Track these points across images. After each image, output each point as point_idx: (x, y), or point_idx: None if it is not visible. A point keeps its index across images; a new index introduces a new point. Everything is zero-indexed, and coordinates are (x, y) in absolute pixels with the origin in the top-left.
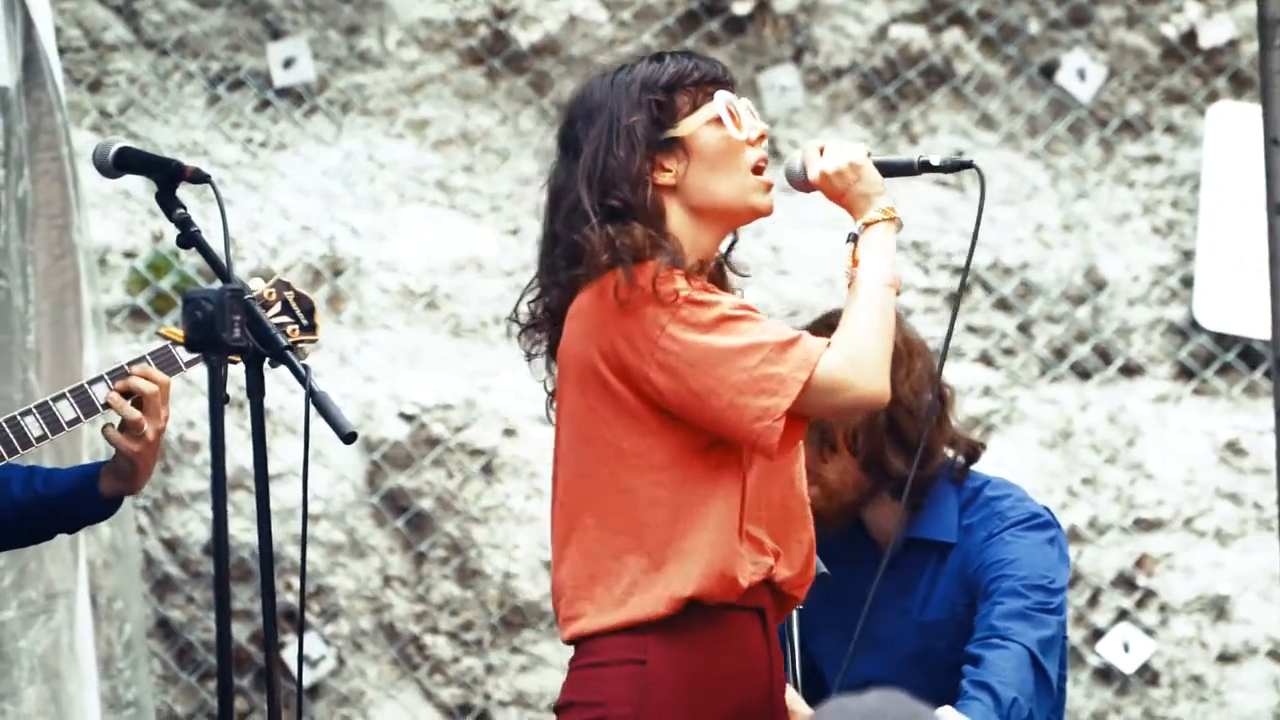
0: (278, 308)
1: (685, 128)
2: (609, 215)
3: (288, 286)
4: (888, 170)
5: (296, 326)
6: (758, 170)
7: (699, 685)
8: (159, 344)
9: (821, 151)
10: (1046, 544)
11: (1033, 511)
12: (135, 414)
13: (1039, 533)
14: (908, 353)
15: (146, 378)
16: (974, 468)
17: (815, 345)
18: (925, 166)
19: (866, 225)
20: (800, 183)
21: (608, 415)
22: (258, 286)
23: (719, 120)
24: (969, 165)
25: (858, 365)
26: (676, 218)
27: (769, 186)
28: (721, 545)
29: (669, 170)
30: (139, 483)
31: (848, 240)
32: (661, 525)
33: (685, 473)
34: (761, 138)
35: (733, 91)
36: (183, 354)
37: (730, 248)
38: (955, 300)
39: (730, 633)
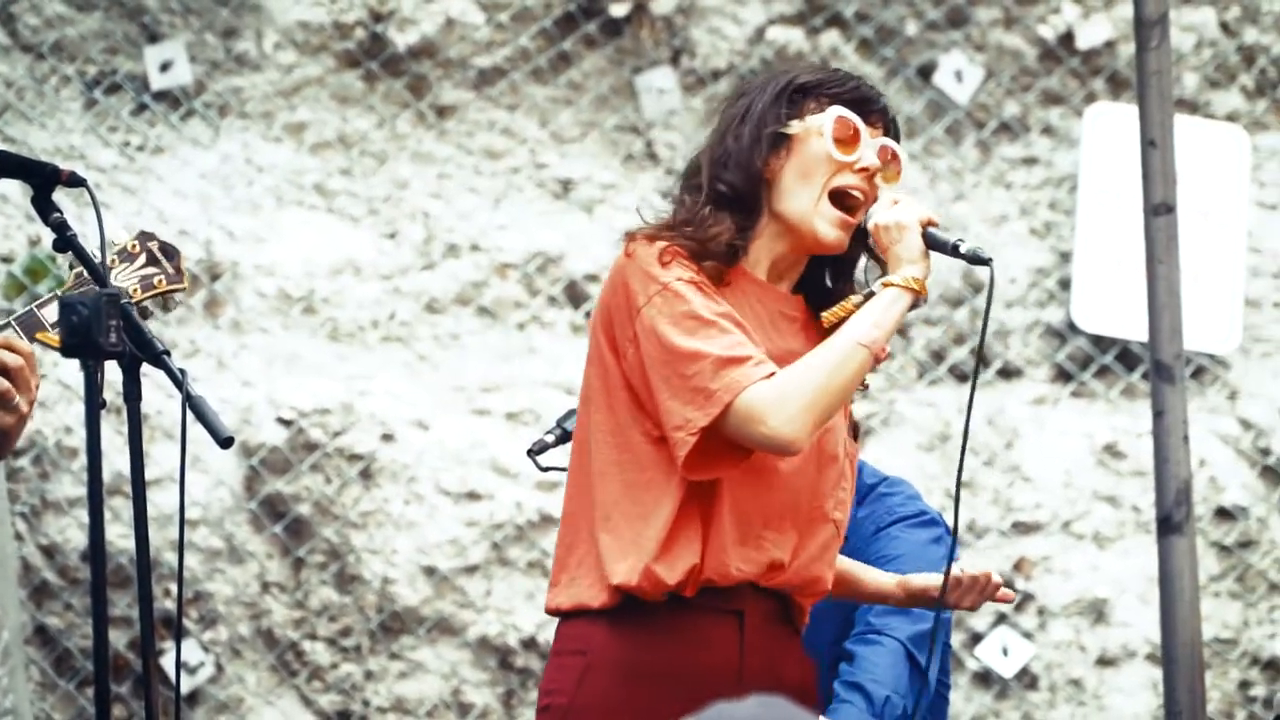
0: (143, 259)
1: (797, 128)
2: (717, 199)
3: (151, 237)
4: (931, 243)
5: (163, 277)
6: (846, 197)
7: (644, 683)
8: (23, 310)
9: (895, 204)
10: (932, 543)
11: (920, 509)
12: (4, 384)
13: (925, 530)
14: None
15: (10, 348)
16: (871, 466)
17: (756, 371)
18: (955, 251)
19: (884, 285)
20: (865, 229)
21: (597, 383)
22: (122, 239)
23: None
24: (987, 262)
25: (781, 404)
26: (766, 215)
27: (845, 224)
28: (651, 540)
29: (771, 165)
30: (5, 453)
31: (862, 294)
32: (608, 505)
33: (641, 457)
34: (868, 172)
35: (878, 123)
36: (48, 315)
37: (849, 273)
38: (973, 375)
39: (690, 632)
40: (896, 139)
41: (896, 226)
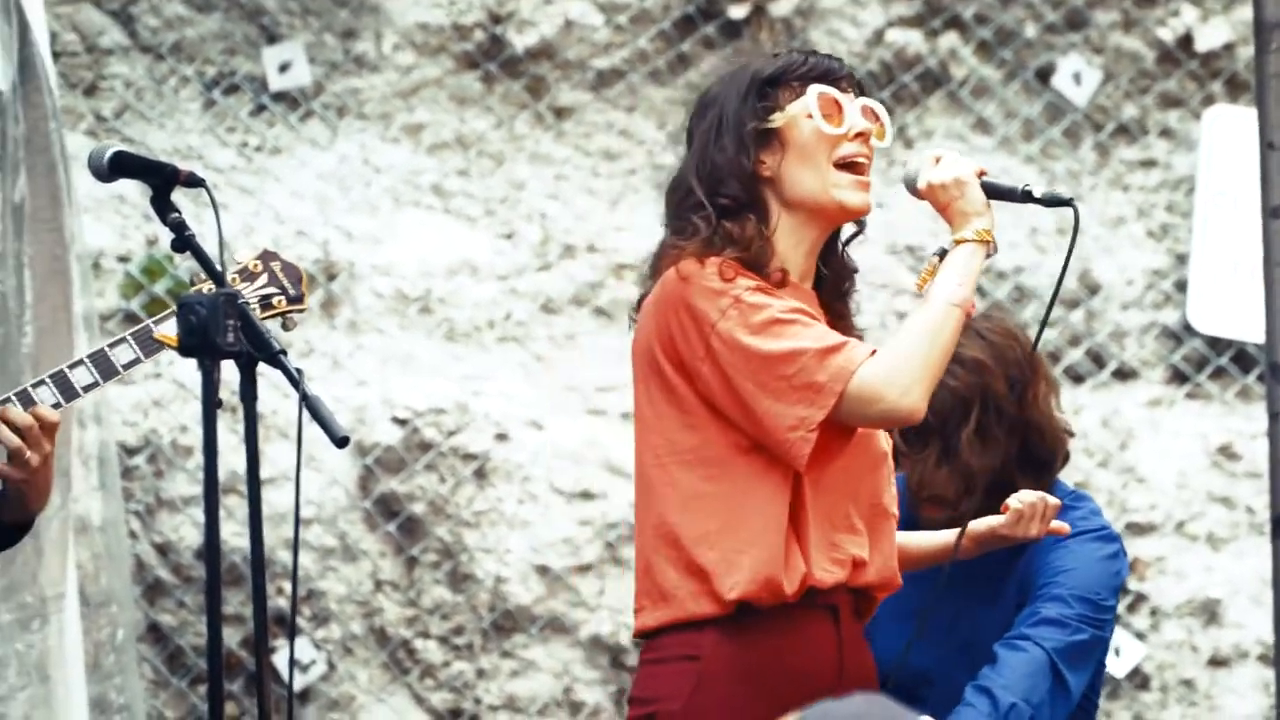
0: (264, 279)
1: (780, 119)
2: (723, 213)
3: (274, 257)
4: (993, 193)
5: (283, 297)
6: (853, 165)
7: (756, 683)
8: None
9: (937, 161)
10: (1108, 559)
11: (1101, 524)
12: (15, 441)
13: (1103, 545)
14: (1034, 372)
15: (19, 418)
16: (1058, 478)
17: (858, 354)
18: (1028, 196)
19: (956, 243)
20: (913, 189)
21: (664, 407)
22: (244, 258)
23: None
24: (1069, 203)
25: (893, 378)
26: (776, 213)
27: (863, 185)
28: (767, 549)
29: (766, 163)
30: (34, 508)
31: (935, 254)
32: (705, 523)
33: (733, 471)
34: (862, 135)
35: (849, 88)
36: (167, 328)
37: (837, 254)
38: (1038, 333)
39: (795, 631)
40: (865, 94)
41: (955, 183)
